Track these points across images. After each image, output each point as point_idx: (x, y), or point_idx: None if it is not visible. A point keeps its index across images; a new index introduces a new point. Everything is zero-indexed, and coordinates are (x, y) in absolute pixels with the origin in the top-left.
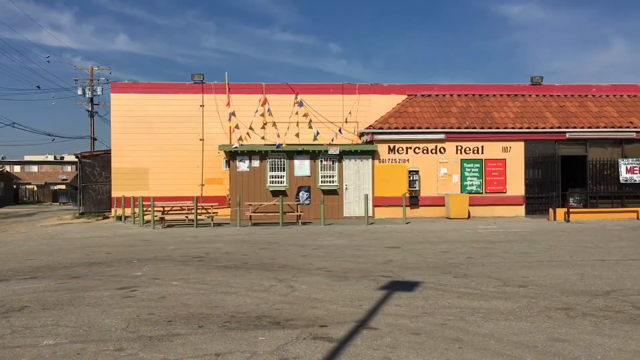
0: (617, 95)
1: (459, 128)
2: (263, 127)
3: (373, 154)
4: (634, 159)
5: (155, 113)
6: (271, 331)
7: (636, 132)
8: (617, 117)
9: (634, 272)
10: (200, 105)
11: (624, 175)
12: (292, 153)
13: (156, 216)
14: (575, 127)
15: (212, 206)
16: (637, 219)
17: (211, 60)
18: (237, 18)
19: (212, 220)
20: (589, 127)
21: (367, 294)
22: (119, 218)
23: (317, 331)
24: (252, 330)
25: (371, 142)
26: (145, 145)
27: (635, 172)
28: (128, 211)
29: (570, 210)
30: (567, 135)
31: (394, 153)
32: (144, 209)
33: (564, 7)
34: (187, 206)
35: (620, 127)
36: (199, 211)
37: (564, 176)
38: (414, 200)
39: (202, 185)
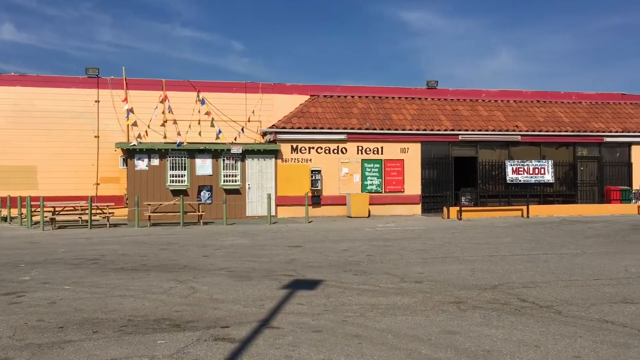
0: (504, 101)
1: (360, 129)
2: (163, 125)
3: (276, 154)
4: (519, 161)
5: (45, 108)
6: (171, 334)
7: (521, 135)
8: (505, 121)
9: (519, 267)
10: (96, 101)
11: (510, 175)
12: (194, 152)
13: (46, 217)
14: (467, 130)
15: (108, 206)
16: (522, 216)
17: (108, 54)
18: (135, 11)
19: (108, 220)
20: (480, 130)
21: (270, 294)
22: (4, 219)
23: (219, 332)
24: (151, 333)
25: (274, 141)
26: (34, 142)
27: (520, 172)
28: (14, 212)
29: (463, 208)
30: (460, 137)
31: (297, 153)
32: (33, 209)
33: (459, 16)
34: (81, 206)
35: (507, 131)
36: (94, 211)
37: (457, 176)
38: (316, 199)
39: (98, 184)
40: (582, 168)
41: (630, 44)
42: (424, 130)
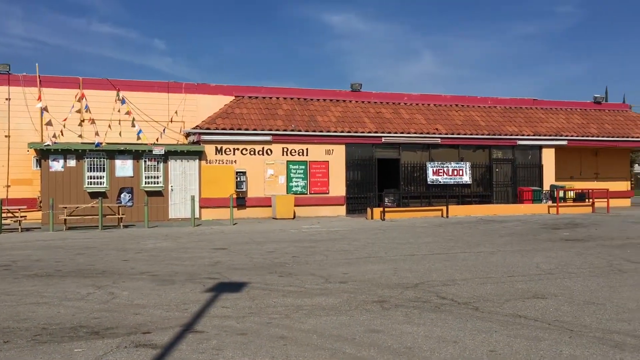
0: (425, 104)
1: (285, 130)
2: (80, 125)
3: (200, 155)
4: (439, 163)
5: None
6: (89, 342)
7: (441, 137)
8: (425, 124)
9: (439, 265)
10: (6, 99)
11: (430, 177)
12: (114, 152)
13: None
14: (390, 132)
15: (19, 209)
16: (442, 216)
17: (20, 49)
18: (47, 4)
19: (20, 224)
20: (402, 133)
21: (194, 297)
22: None
23: (140, 338)
24: (67, 342)
25: (198, 142)
26: None
27: (440, 174)
28: None
29: (386, 209)
30: (383, 139)
31: (222, 154)
32: None
33: (382, 20)
34: None
35: (428, 133)
36: (3, 215)
37: (381, 177)
38: (241, 201)
39: (8, 186)
40: (497, 170)
41: (541, 52)
42: (349, 132)
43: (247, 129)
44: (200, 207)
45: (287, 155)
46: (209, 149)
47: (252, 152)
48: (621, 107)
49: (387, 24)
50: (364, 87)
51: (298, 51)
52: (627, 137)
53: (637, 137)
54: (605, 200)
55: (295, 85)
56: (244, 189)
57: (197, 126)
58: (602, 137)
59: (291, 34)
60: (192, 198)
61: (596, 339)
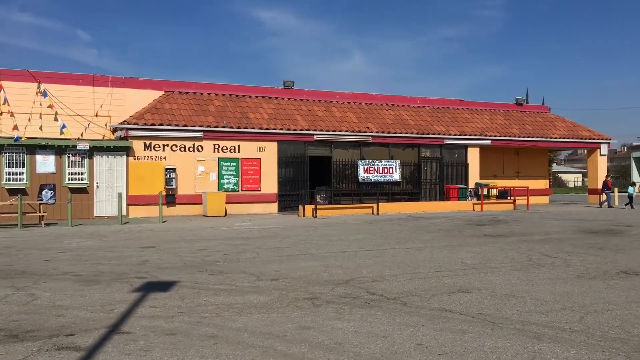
0: (356, 103)
1: (216, 127)
2: None
3: (128, 151)
4: (370, 161)
5: None
6: (7, 346)
7: (372, 136)
8: (357, 122)
9: (369, 262)
10: None
11: (361, 174)
12: (34, 147)
13: None
14: (322, 130)
15: None
16: (373, 214)
17: None
18: None
19: None
20: (334, 131)
21: (120, 297)
22: None
23: (63, 341)
24: None
25: (126, 138)
26: None
27: (371, 172)
28: None
29: (318, 206)
30: (315, 137)
31: (150, 150)
32: None
33: (314, 18)
34: None
35: (359, 131)
36: None
37: (313, 175)
38: (170, 198)
39: None
40: (425, 168)
41: (466, 53)
42: (281, 129)
43: (177, 125)
44: (128, 205)
45: (218, 152)
46: (137, 145)
47: (182, 149)
48: (541, 108)
49: (319, 22)
50: (296, 84)
51: (229, 47)
52: (546, 137)
53: (555, 138)
54: (526, 197)
55: (227, 82)
56: (173, 186)
57: (124, 121)
58: (523, 137)
59: (222, 29)
60: (119, 195)
61: (516, 330)
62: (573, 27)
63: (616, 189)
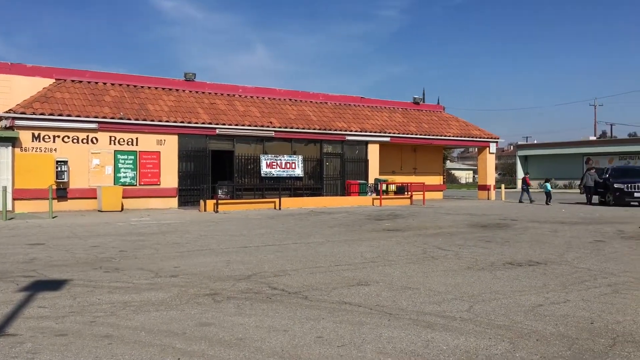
0: (259, 97)
1: (112, 118)
2: None
3: (14, 142)
4: (273, 156)
5: None
6: None
7: (275, 131)
8: (260, 117)
9: (271, 256)
10: None
11: (264, 169)
12: None
13: None
14: (224, 124)
15: None
16: (275, 208)
17: None
18: None
19: None
20: (237, 125)
21: (5, 298)
22: None
23: None
24: None
25: (11, 128)
26: None
27: (273, 167)
28: None
29: (219, 201)
30: (217, 131)
31: (40, 141)
32: None
33: (217, 10)
34: None
35: (262, 126)
36: None
37: (215, 169)
38: (62, 192)
39: None
40: (327, 163)
41: (367, 52)
42: (182, 122)
43: (69, 115)
44: (14, 199)
45: (115, 144)
46: (25, 136)
47: (75, 141)
48: (436, 108)
49: (222, 14)
50: (198, 77)
51: (127, 35)
52: (441, 135)
53: (450, 136)
54: (422, 193)
55: (124, 71)
56: (65, 180)
57: (10, 110)
58: (420, 135)
59: (119, 17)
60: (4, 189)
61: (411, 320)
62: (469, 30)
63: (502, 185)
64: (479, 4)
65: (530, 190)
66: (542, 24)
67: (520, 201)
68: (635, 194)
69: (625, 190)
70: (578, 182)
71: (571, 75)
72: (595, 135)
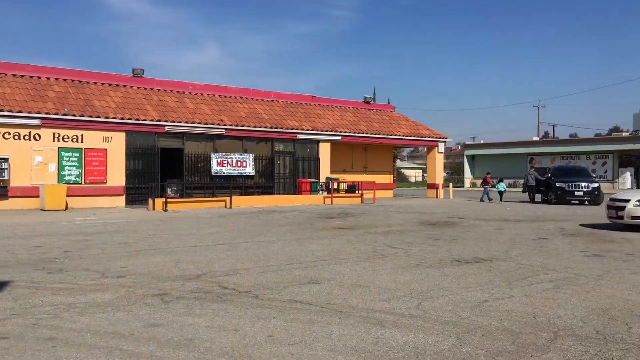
0: (210, 95)
1: (56, 114)
2: None
3: None
4: (224, 154)
5: None
6: None
7: (225, 129)
8: (210, 115)
9: (221, 255)
10: None
11: (215, 168)
12: None
13: None
14: (174, 121)
15: None
16: (226, 207)
17: None
18: None
19: None
20: (186, 122)
21: None
22: None
23: None
24: None
25: None
26: None
27: (224, 165)
28: None
29: (168, 200)
30: (167, 128)
31: None
32: None
33: (165, 5)
34: None
35: (213, 124)
36: None
37: (164, 168)
38: (2, 191)
39: None
40: (279, 162)
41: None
42: (129, 119)
43: (10, 111)
44: None
45: (58, 141)
46: None
47: (16, 137)
48: (387, 107)
49: (171, 9)
50: (147, 73)
51: (71, 29)
52: (392, 135)
53: (400, 135)
54: (372, 191)
55: (69, 66)
56: (5, 177)
57: None
58: (371, 134)
59: (63, 10)
60: None
61: (362, 318)
62: (419, 31)
63: (450, 184)
64: (429, 5)
65: (488, 189)
66: (490, 27)
67: (481, 200)
68: (576, 193)
69: (567, 189)
70: (522, 181)
71: (517, 77)
72: (538, 136)
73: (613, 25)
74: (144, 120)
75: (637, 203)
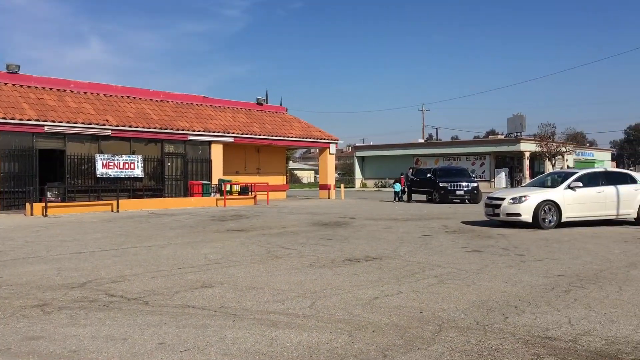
0: (94, 93)
1: None
2: None
3: None
4: (110, 155)
5: None
6: None
7: (112, 129)
8: (95, 114)
9: (108, 262)
10: None
11: (100, 170)
12: None
13: None
14: (54, 121)
15: None
16: (113, 211)
17: None
18: None
19: None
20: (68, 122)
21: None
22: None
23: None
24: None
25: None
26: None
27: (110, 167)
28: None
29: (49, 204)
30: (46, 128)
31: None
32: None
33: None
34: None
35: (97, 124)
36: None
37: (43, 170)
38: None
39: None
40: (169, 164)
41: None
42: (4, 118)
43: None
44: None
45: None
46: None
47: None
48: (279, 109)
49: (50, 2)
50: (23, 69)
51: None
52: (284, 136)
53: (292, 137)
54: (266, 193)
55: None
56: None
57: None
58: (264, 135)
59: None
60: None
61: (256, 320)
62: (310, 34)
63: (341, 185)
64: (319, 8)
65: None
66: (381, 33)
67: (396, 200)
68: (457, 192)
69: (449, 188)
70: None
71: (403, 81)
72: (423, 138)
73: (493, 36)
74: (20, 119)
75: (511, 201)
